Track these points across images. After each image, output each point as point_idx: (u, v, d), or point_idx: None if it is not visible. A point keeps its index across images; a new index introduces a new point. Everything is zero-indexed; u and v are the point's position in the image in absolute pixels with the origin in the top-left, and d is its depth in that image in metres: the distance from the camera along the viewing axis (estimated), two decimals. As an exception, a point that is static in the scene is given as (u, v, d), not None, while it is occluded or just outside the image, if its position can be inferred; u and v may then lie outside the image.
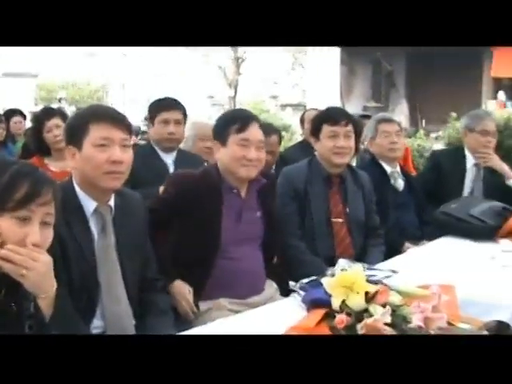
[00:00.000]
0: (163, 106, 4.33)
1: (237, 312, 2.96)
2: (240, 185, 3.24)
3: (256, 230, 3.29)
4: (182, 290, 3.11)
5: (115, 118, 2.65)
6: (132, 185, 3.20)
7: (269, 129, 5.71)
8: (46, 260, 2.08)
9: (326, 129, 3.78)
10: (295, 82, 26.26)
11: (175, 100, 4.45)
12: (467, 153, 4.96)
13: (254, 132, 3.20)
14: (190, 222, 3.15)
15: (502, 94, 15.87)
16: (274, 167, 5.63)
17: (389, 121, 4.58)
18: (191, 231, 3.14)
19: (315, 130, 3.87)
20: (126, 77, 31.80)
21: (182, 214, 3.16)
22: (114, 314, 2.64)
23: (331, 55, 17.29)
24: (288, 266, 3.47)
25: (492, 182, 4.87)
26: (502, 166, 4.87)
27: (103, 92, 32.13)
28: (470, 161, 4.94)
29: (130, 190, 2.91)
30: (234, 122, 3.20)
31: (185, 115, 4.40)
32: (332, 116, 3.83)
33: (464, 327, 2.44)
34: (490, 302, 2.83)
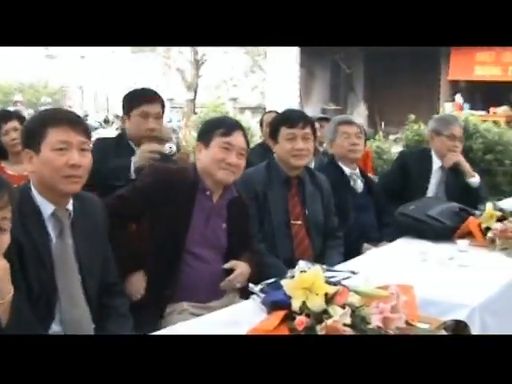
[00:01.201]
0: (143, 98, 3.89)
1: (198, 315, 2.94)
2: (214, 188, 3.25)
3: (219, 240, 3.29)
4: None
5: (73, 122, 2.62)
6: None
7: None
8: (2, 265, 2.04)
9: (284, 131, 3.78)
10: (254, 84, 26.30)
11: (155, 91, 4.04)
12: (433, 155, 5.03)
13: (238, 138, 3.24)
14: (161, 216, 3.15)
15: (458, 97, 16.05)
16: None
17: (349, 122, 4.60)
18: (161, 225, 3.15)
19: (273, 133, 3.87)
20: (85, 79, 31.52)
21: (154, 206, 3.15)
22: (73, 318, 2.61)
23: (290, 58, 17.32)
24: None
25: (454, 184, 4.94)
26: (465, 164, 4.95)
27: (60, 95, 31.79)
28: (435, 163, 5.01)
29: (90, 194, 2.88)
30: (220, 125, 3.24)
31: (163, 108, 4.04)
32: (290, 118, 3.84)
33: (423, 327, 2.45)
34: (448, 301, 2.86)
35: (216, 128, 3.22)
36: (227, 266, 3.19)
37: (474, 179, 4.94)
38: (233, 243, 3.31)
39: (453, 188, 4.93)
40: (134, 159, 3.62)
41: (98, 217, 2.82)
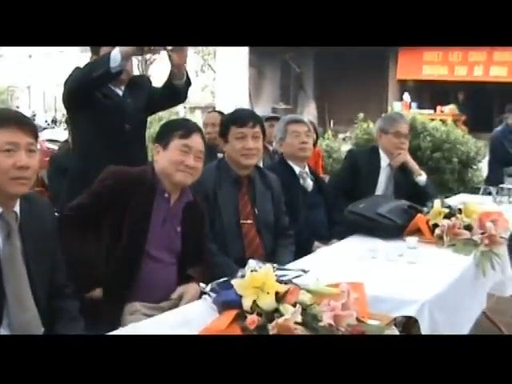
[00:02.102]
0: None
1: (150, 316, 2.92)
2: (172, 191, 3.24)
3: (174, 242, 3.27)
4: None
5: (21, 122, 2.57)
6: None
7: None
8: None
9: (234, 130, 3.78)
10: (205, 84, 26.23)
11: None
12: (381, 153, 5.10)
13: (197, 141, 3.24)
14: (120, 218, 3.11)
15: (406, 96, 16.26)
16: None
17: (298, 121, 4.62)
18: (120, 228, 3.11)
19: (223, 132, 3.87)
20: (33, 79, 31.11)
21: (112, 210, 3.12)
22: (22, 322, 2.56)
23: (240, 57, 17.34)
24: (200, 269, 3.44)
25: (402, 182, 5.01)
26: (412, 163, 5.04)
27: (7, 95, 31.33)
28: (384, 161, 5.08)
29: (38, 195, 2.84)
30: (179, 128, 3.24)
31: None
32: (240, 118, 3.84)
33: (373, 323, 2.47)
34: (398, 297, 2.89)
35: (175, 130, 3.22)
36: (175, 296, 3.17)
37: (421, 178, 5.02)
38: (187, 247, 3.29)
39: (401, 185, 5.01)
40: (119, 48, 3.63)
41: (47, 218, 2.78)
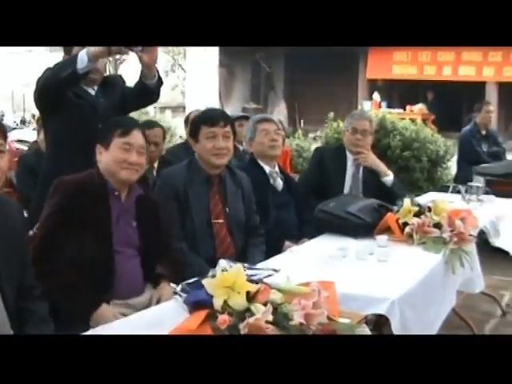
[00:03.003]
0: None
1: (122, 313, 2.97)
2: (121, 188, 3.25)
3: (132, 238, 3.27)
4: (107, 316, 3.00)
5: None
6: None
7: (151, 123, 6.24)
8: None
9: (205, 130, 3.78)
10: (175, 83, 26.14)
11: None
12: (347, 151, 5.14)
13: (137, 137, 3.25)
14: (84, 224, 3.09)
15: (376, 95, 16.34)
16: (156, 165, 5.72)
17: (267, 120, 4.63)
18: (85, 235, 3.09)
19: (194, 132, 3.86)
20: (0, 79, 30.81)
21: (73, 219, 3.09)
22: None
23: (210, 57, 17.31)
24: (171, 268, 3.43)
25: (370, 180, 5.05)
26: (378, 164, 5.07)
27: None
28: (350, 159, 5.13)
29: (6, 196, 2.81)
30: (118, 126, 3.25)
31: None
32: (210, 117, 3.84)
33: (344, 322, 2.48)
34: (369, 295, 2.91)
35: (114, 129, 3.24)
36: (153, 300, 3.16)
37: (388, 178, 5.07)
38: (147, 241, 3.30)
39: (369, 184, 5.06)
40: (87, 50, 3.61)
41: (15, 219, 2.75)
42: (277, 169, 4.60)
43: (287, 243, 4.17)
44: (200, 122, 3.85)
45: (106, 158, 3.22)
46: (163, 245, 3.39)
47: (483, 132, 8.44)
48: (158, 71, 4.01)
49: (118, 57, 25.94)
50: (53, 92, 3.80)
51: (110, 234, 3.16)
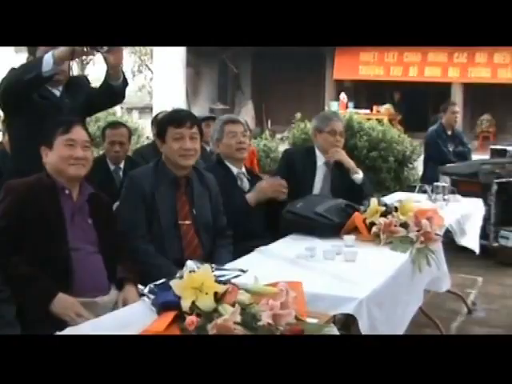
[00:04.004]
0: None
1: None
2: (71, 186, 3.28)
3: (89, 235, 3.28)
4: (68, 304, 2.99)
5: None
6: None
7: (116, 123, 6.35)
8: None
9: (172, 131, 3.76)
10: (142, 84, 26.00)
11: None
12: (317, 152, 5.17)
13: (79, 132, 3.31)
14: (35, 226, 3.07)
15: (343, 95, 16.42)
16: (122, 165, 5.70)
17: (234, 121, 4.62)
18: (39, 235, 3.08)
19: (161, 133, 3.85)
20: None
21: (24, 222, 3.08)
22: None
23: (177, 57, 17.26)
24: (137, 270, 3.41)
25: (339, 180, 5.08)
26: (348, 161, 5.10)
27: None
28: (320, 160, 5.16)
29: None
30: (59, 125, 3.29)
31: None
32: (177, 118, 3.83)
33: (312, 322, 2.49)
34: (336, 295, 2.92)
35: (55, 128, 3.27)
36: (118, 303, 3.15)
37: (358, 175, 5.09)
38: (104, 238, 3.31)
39: (338, 184, 5.08)
40: (52, 52, 3.58)
41: None
42: (244, 169, 4.60)
43: (254, 243, 4.16)
44: (167, 123, 3.83)
45: (51, 157, 3.26)
46: (122, 243, 3.41)
47: (449, 132, 8.52)
48: (123, 72, 3.99)
49: (83, 57, 25.83)
50: (17, 94, 3.78)
51: (64, 232, 3.16)
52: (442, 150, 8.31)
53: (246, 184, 4.54)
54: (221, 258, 3.66)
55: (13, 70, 3.89)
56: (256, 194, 4.45)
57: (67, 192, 3.25)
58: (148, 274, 3.23)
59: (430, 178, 7.43)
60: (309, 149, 5.30)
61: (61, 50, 3.52)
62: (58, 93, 4.07)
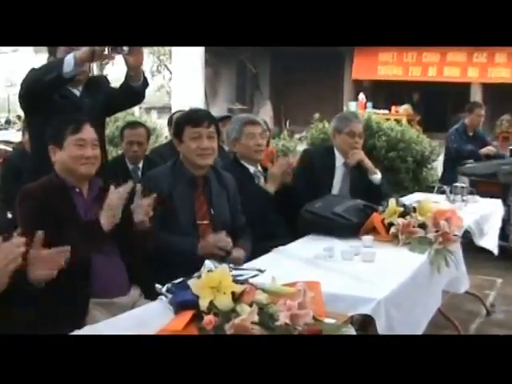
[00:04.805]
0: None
1: (104, 312, 3.00)
2: (81, 184, 3.29)
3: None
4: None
5: None
6: None
7: (134, 123, 6.40)
8: None
9: (189, 130, 3.77)
10: (160, 84, 26.06)
11: None
12: (336, 152, 5.17)
13: (89, 131, 3.30)
14: (52, 230, 3.06)
15: (362, 96, 16.36)
16: (141, 165, 5.72)
17: (254, 122, 4.62)
18: (58, 235, 3.06)
19: (178, 132, 3.85)
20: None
21: (42, 225, 3.07)
22: None
23: (196, 58, 17.27)
24: (157, 262, 3.41)
25: (358, 181, 5.08)
26: (366, 161, 5.09)
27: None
28: (339, 160, 5.16)
29: None
30: (68, 124, 3.27)
31: None
32: (195, 117, 3.83)
33: (330, 322, 2.48)
34: (355, 295, 2.91)
35: (65, 128, 3.26)
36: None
37: (377, 176, 5.08)
38: (118, 229, 3.26)
39: (356, 184, 5.07)
40: (73, 54, 3.60)
41: None
42: (260, 168, 4.61)
43: (273, 243, 4.16)
44: (184, 123, 3.84)
45: (61, 156, 3.26)
46: (135, 236, 3.38)
47: (470, 134, 8.43)
48: (143, 73, 4.00)
49: (104, 59, 25.85)
50: (37, 94, 3.80)
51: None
52: (464, 147, 8.19)
53: (262, 182, 4.55)
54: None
55: (33, 70, 3.91)
56: (270, 181, 4.49)
57: (77, 190, 3.27)
58: (168, 256, 3.35)
59: (449, 178, 7.38)
60: (328, 149, 5.30)
61: (82, 51, 3.53)
62: (77, 92, 4.09)
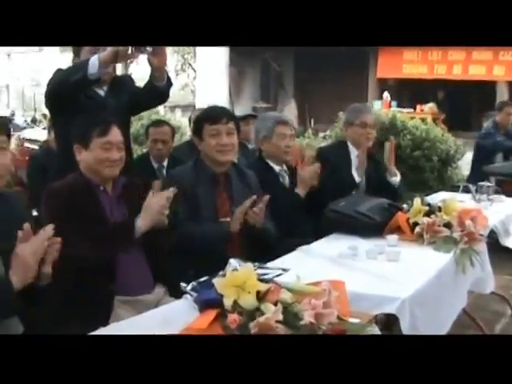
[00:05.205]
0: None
1: (129, 310, 3.04)
2: (105, 182, 3.32)
3: None
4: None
5: None
6: None
7: (159, 121, 6.38)
8: None
9: (208, 128, 3.79)
10: (185, 82, 26.16)
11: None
12: (350, 145, 5.17)
13: (115, 134, 3.30)
14: (79, 228, 3.09)
15: (386, 94, 16.28)
16: (165, 163, 5.75)
17: (286, 123, 4.62)
18: (82, 237, 3.08)
19: (197, 130, 3.88)
20: (11, 78, 30.88)
21: (69, 223, 3.09)
22: None
23: (220, 56, 17.30)
24: (182, 259, 3.43)
25: (373, 175, 5.09)
26: (391, 166, 5.13)
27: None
28: (353, 153, 5.15)
29: (8, 191, 2.83)
30: (95, 126, 3.28)
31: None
32: (212, 115, 3.86)
33: (354, 322, 2.48)
34: (379, 294, 2.91)
35: (92, 129, 3.27)
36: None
37: (396, 178, 5.10)
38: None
39: (372, 178, 5.09)
40: (98, 55, 3.62)
41: (18, 214, 2.76)
42: (285, 167, 4.62)
43: (297, 242, 4.16)
44: (203, 120, 3.86)
45: (87, 157, 3.27)
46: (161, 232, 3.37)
47: (502, 132, 8.35)
48: (167, 73, 4.03)
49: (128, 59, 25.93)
50: (63, 95, 3.83)
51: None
52: (494, 150, 8.10)
53: (286, 181, 4.56)
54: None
55: (59, 70, 3.95)
56: (300, 185, 4.49)
57: (102, 188, 3.29)
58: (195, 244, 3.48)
59: (477, 178, 7.31)
60: (341, 143, 5.31)
61: (105, 53, 3.56)
62: (102, 92, 4.11)
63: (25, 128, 17.10)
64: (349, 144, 5.18)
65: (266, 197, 3.66)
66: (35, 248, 2.36)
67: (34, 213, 3.91)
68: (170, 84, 4.07)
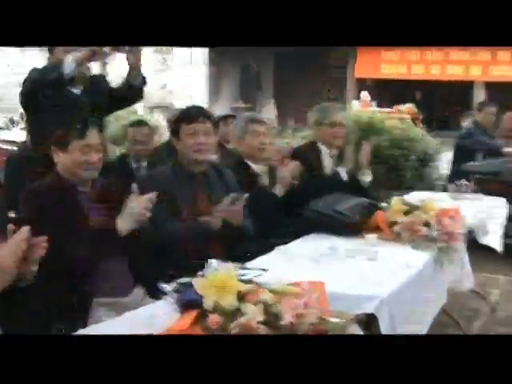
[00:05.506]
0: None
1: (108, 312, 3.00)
2: (84, 183, 3.32)
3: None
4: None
5: None
6: None
7: (139, 121, 6.30)
8: None
9: (185, 127, 3.80)
10: (163, 83, 26.08)
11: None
12: (320, 145, 5.16)
13: (94, 136, 3.32)
14: (58, 228, 3.07)
15: (364, 94, 16.32)
16: (145, 164, 5.73)
17: (258, 121, 4.62)
18: (63, 238, 3.06)
19: (175, 130, 3.89)
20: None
21: (48, 223, 3.07)
22: None
23: (198, 56, 17.29)
24: (161, 260, 3.43)
25: (344, 173, 5.14)
26: (366, 164, 5.12)
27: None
28: (324, 152, 5.15)
29: None
30: (73, 127, 3.29)
31: None
32: (189, 114, 3.86)
33: (335, 321, 2.49)
34: (358, 294, 2.92)
35: (70, 131, 3.28)
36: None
37: (366, 178, 5.11)
38: None
39: (344, 177, 5.14)
40: (73, 54, 3.61)
41: None
42: (265, 167, 4.62)
43: (276, 241, 4.16)
44: (180, 120, 3.87)
45: (65, 159, 3.27)
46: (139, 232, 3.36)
47: (486, 132, 8.35)
48: (142, 72, 4.03)
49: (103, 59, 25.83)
50: (37, 93, 3.82)
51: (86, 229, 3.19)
52: (478, 140, 8.08)
53: (266, 181, 4.57)
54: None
55: (34, 70, 3.93)
56: (279, 184, 4.50)
57: (80, 189, 3.30)
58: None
59: (456, 177, 7.33)
60: (311, 143, 5.29)
61: (81, 52, 3.55)
62: (77, 91, 4.10)
63: (1, 129, 16.95)
64: (319, 144, 5.17)
65: (245, 195, 3.65)
66: (13, 249, 2.34)
67: (11, 215, 3.88)
68: (144, 83, 4.07)
